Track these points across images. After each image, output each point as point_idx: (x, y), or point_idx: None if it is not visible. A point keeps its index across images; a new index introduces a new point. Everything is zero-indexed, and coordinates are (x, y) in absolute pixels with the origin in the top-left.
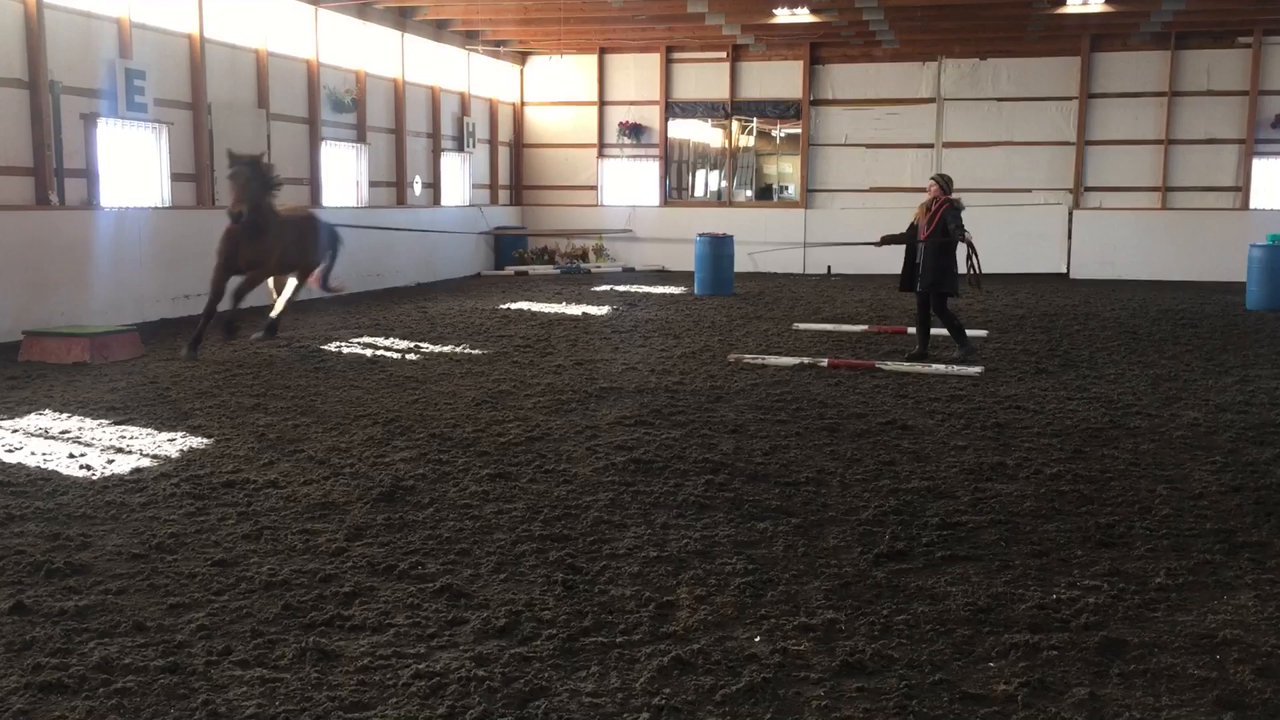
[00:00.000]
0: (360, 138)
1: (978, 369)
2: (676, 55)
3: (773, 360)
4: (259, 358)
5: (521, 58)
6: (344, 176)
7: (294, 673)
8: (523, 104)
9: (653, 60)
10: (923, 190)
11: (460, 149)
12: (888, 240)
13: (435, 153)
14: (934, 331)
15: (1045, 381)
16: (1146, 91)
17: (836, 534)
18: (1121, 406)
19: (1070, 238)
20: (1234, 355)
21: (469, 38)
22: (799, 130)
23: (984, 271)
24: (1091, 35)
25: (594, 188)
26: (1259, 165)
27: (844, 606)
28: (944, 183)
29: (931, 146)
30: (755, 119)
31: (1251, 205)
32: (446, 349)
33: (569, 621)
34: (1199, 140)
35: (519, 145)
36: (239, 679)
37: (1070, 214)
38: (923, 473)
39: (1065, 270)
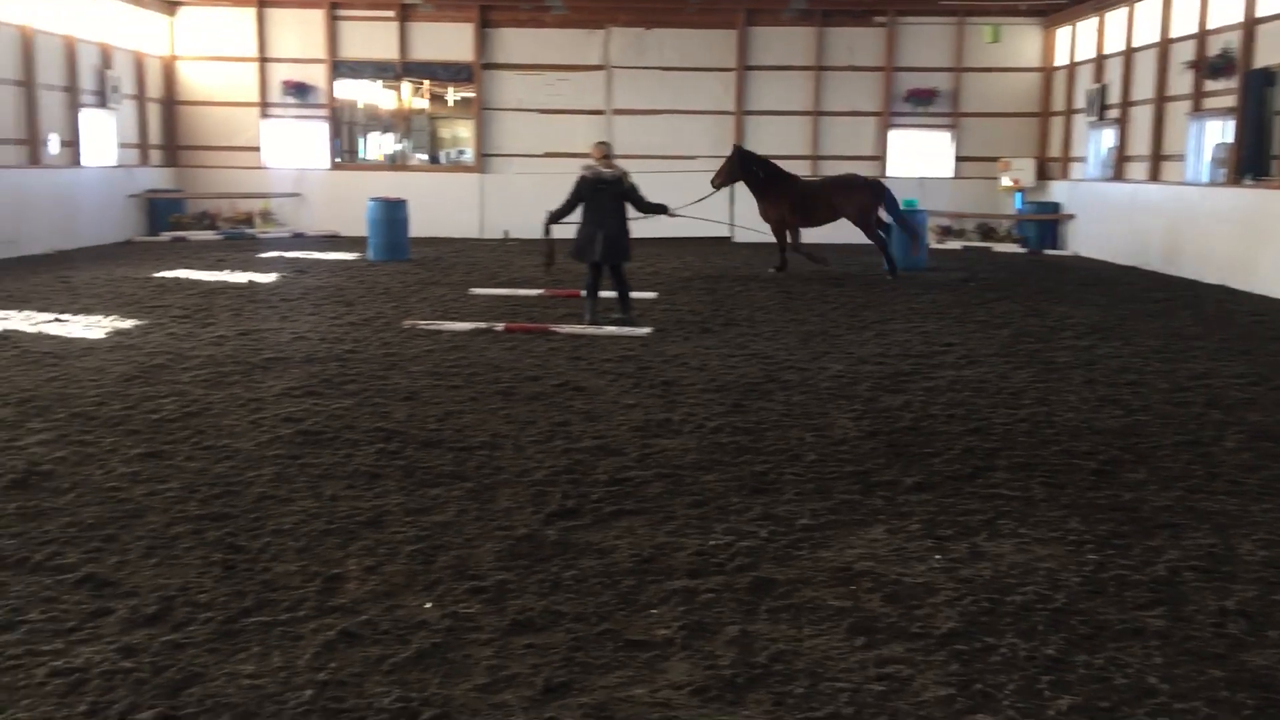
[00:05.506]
0: None
1: (646, 330)
2: (342, 13)
3: (448, 326)
4: None
5: (172, 8)
6: None
7: None
8: (174, 58)
9: (316, 16)
10: None
11: (103, 105)
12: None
13: (73, 108)
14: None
15: (709, 340)
16: (797, 65)
17: (509, 495)
18: (776, 362)
19: (732, 204)
20: (874, 312)
21: None
22: (473, 94)
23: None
24: (747, 10)
25: (257, 149)
26: (894, 135)
27: (515, 567)
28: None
29: (603, 113)
30: (428, 81)
31: (888, 173)
32: (93, 321)
33: (228, 603)
34: (844, 112)
35: (172, 102)
36: None
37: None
38: (594, 432)
39: (730, 235)
